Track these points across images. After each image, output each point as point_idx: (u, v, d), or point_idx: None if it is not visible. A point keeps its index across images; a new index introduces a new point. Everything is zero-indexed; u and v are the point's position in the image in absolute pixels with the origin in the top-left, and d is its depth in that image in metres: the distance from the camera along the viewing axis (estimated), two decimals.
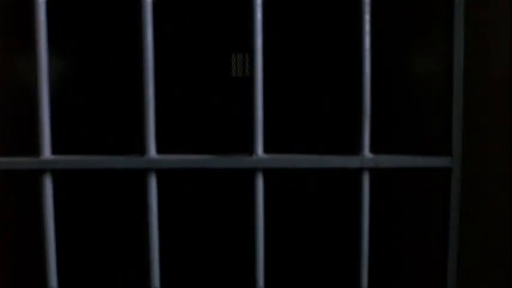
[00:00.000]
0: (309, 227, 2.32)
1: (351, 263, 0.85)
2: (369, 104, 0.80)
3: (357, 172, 0.80)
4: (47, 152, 0.79)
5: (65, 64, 1.74)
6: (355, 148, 0.81)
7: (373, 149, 0.82)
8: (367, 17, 0.80)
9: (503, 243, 0.92)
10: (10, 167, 0.79)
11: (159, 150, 0.80)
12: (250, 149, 0.79)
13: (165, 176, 0.81)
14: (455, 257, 0.82)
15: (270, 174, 0.81)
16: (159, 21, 0.82)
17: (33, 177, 0.79)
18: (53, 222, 0.79)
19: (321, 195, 2.28)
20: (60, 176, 0.81)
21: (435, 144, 0.87)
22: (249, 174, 0.80)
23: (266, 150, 0.81)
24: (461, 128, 0.80)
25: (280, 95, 2.05)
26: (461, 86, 0.79)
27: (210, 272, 1.97)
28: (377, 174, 0.82)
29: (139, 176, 0.79)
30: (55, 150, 0.80)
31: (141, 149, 0.79)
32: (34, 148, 0.79)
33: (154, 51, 0.79)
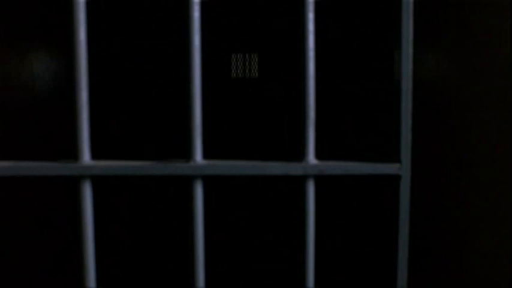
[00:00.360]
0: (253, 234, 2.29)
1: (296, 272, 0.82)
2: (314, 107, 0.76)
3: (301, 179, 0.77)
4: None
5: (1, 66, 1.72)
6: (299, 154, 0.77)
7: (322, 156, 0.78)
8: (310, 16, 0.75)
9: (458, 251, 0.89)
10: None
11: (95, 156, 0.77)
12: (188, 155, 0.76)
13: (100, 183, 0.78)
14: (406, 265, 0.79)
15: (213, 178, 0.78)
16: (92, 20, 0.78)
17: None
18: None
19: (268, 201, 2.25)
20: None
21: (385, 151, 0.83)
22: (187, 182, 0.76)
23: (210, 156, 0.78)
24: (410, 134, 0.76)
25: (220, 98, 1.99)
26: (410, 90, 0.75)
27: (149, 279, 1.94)
28: (324, 179, 0.79)
29: (73, 183, 0.76)
30: None
31: (75, 155, 0.76)
32: None
33: (91, 53, 0.75)
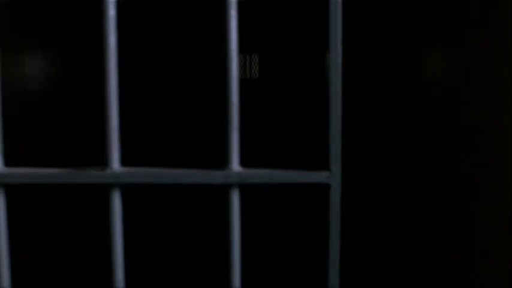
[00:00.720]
0: (177, 244, 2.22)
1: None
2: (237, 111, 0.71)
3: (224, 188, 0.72)
4: None
5: None
6: (222, 162, 0.72)
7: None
8: (233, 13, 0.70)
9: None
10: None
11: (7, 163, 0.73)
12: (104, 162, 0.72)
13: (13, 191, 0.75)
14: (337, 277, 0.74)
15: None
16: None
17: None
18: None
19: (190, 210, 2.18)
20: None
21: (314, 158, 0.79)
22: (104, 190, 0.72)
23: (129, 163, 0.74)
24: (340, 139, 0.71)
25: (140, 100, 1.89)
26: (339, 92, 0.70)
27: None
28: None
29: None
30: None
31: None
32: None
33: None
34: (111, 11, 0.71)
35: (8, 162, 0.72)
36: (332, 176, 0.71)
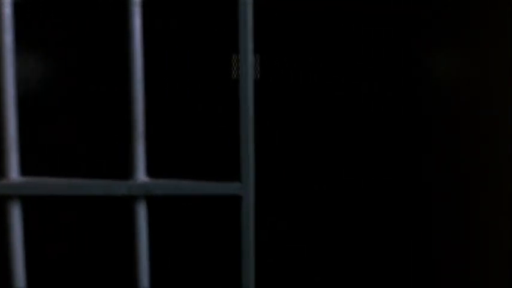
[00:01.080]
0: (82, 256, 2.15)
1: None
2: (142, 117, 0.66)
3: (130, 200, 0.67)
4: None
5: None
6: (127, 172, 0.67)
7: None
8: (136, 9, 0.65)
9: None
10: None
11: None
12: (1, 172, 0.67)
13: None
14: None
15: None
16: None
17: None
18: None
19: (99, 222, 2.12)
20: None
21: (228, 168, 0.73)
22: (1, 202, 0.68)
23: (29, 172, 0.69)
24: (252, 148, 0.65)
25: (37, 107, 1.82)
26: (251, 95, 0.64)
27: None
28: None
29: None
30: None
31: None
32: None
33: None
34: (7, 9, 0.66)
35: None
36: (244, 187, 0.65)
